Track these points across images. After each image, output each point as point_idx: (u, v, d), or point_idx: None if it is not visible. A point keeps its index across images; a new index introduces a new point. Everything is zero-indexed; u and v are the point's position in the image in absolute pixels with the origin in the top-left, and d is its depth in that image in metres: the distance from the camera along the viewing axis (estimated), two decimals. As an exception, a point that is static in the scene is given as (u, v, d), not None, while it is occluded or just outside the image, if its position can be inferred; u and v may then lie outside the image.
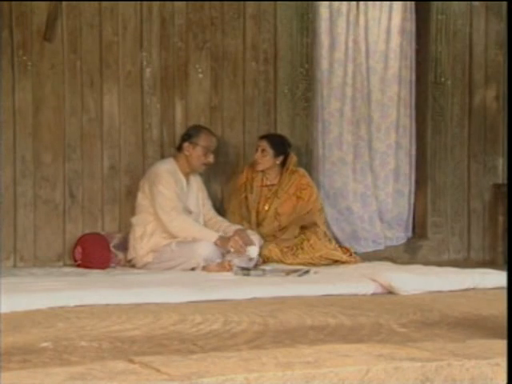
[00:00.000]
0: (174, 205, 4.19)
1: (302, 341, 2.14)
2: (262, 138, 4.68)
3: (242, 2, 4.85)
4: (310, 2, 5.02)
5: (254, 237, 4.38)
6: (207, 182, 4.75)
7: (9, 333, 2.22)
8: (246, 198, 4.70)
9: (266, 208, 4.70)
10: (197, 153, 4.33)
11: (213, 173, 4.83)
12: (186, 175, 4.39)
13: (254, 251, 3.94)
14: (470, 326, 2.39)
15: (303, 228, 4.62)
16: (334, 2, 5.12)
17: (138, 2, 4.64)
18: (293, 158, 4.72)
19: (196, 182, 4.47)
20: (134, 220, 4.34)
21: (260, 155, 4.62)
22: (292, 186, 4.69)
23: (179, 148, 4.38)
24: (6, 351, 1.94)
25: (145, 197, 4.28)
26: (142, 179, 4.35)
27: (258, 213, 4.69)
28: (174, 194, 4.22)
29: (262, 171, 4.68)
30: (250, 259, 3.98)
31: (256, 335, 2.24)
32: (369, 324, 2.44)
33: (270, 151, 4.62)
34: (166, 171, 4.26)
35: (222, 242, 4.14)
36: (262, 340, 2.16)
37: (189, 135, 4.36)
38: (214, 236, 4.16)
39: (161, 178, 4.23)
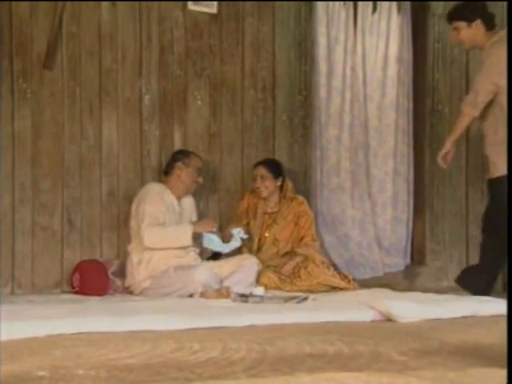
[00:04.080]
0: (150, 221, 4.20)
1: (301, 369, 2.13)
2: (257, 165, 4.71)
3: (240, 32, 4.90)
4: (307, 31, 5.08)
5: (251, 260, 4.37)
6: (206, 209, 4.76)
7: (6, 361, 2.20)
8: (248, 224, 4.71)
9: (267, 235, 4.71)
10: (189, 171, 4.42)
11: (211, 199, 4.85)
12: (178, 198, 4.42)
13: (259, 291, 3.95)
14: (470, 354, 2.38)
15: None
16: (331, 31, 5.17)
17: (138, 31, 4.68)
18: (288, 184, 4.77)
19: (189, 204, 4.50)
20: (129, 248, 4.36)
21: (260, 182, 4.63)
22: (291, 212, 4.71)
23: (166, 172, 4.45)
24: (3, 380, 1.92)
25: (135, 221, 4.30)
26: (132, 205, 4.37)
27: (259, 240, 4.70)
28: (155, 211, 4.24)
29: (265, 198, 4.69)
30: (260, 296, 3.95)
31: (254, 363, 2.22)
32: (368, 352, 2.42)
33: (268, 175, 4.65)
34: (153, 190, 4.34)
35: (199, 226, 4.26)
36: (261, 368, 2.15)
37: (179, 157, 4.46)
38: (188, 229, 4.23)
39: (146, 197, 4.29)
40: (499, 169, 4.10)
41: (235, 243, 4.41)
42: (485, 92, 4.06)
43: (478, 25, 4.15)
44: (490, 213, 4.23)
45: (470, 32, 4.17)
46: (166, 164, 4.54)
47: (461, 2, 4.36)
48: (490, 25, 4.18)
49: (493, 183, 4.17)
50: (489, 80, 4.06)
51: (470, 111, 4.10)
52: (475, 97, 4.08)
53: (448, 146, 4.17)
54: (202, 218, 4.62)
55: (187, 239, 4.25)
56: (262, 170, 4.66)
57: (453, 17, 4.24)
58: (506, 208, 3.92)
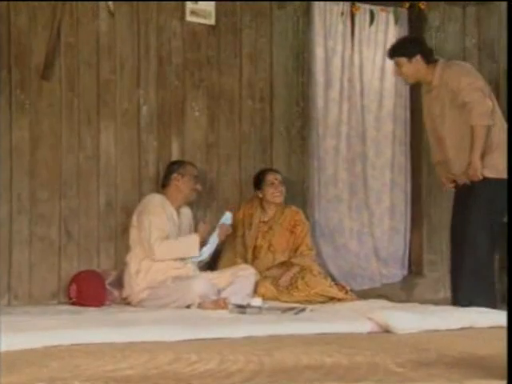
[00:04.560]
0: (158, 235, 4.22)
1: (299, 380, 2.12)
2: (272, 171, 4.75)
3: (238, 43, 4.92)
4: (305, 43, 5.10)
5: (249, 271, 4.37)
6: (202, 219, 4.75)
7: (3, 373, 2.19)
8: (243, 235, 4.72)
9: (262, 243, 4.72)
10: (186, 180, 4.42)
11: (209, 209, 4.85)
12: (177, 208, 4.43)
13: (257, 302, 3.96)
14: (468, 365, 2.38)
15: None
16: (328, 42, 5.20)
17: (136, 41, 4.70)
18: None
19: (187, 216, 4.51)
20: (128, 258, 4.35)
21: (280, 187, 4.65)
22: (285, 220, 4.73)
23: (164, 185, 4.45)
24: (0, 391, 1.92)
25: (136, 231, 4.30)
26: (133, 215, 4.37)
27: (255, 248, 4.72)
28: (161, 223, 4.26)
29: (278, 203, 4.69)
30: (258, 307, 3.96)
31: (252, 374, 2.22)
32: (365, 363, 2.42)
33: (282, 182, 4.68)
34: (156, 201, 4.35)
35: (201, 236, 4.32)
36: (258, 379, 2.14)
37: (174, 169, 4.47)
38: (195, 239, 4.28)
39: (150, 207, 4.30)
40: (499, 171, 4.08)
41: (213, 238, 4.40)
42: (484, 98, 4.08)
43: (418, 60, 4.23)
44: (469, 221, 4.14)
45: (411, 67, 4.24)
46: (163, 177, 4.53)
47: (400, 39, 4.60)
48: (429, 59, 4.26)
49: (486, 184, 4.09)
50: (477, 88, 4.09)
51: (487, 121, 4.06)
52: (481, 106, 4.07)
53: (478, 163, 4.07)
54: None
55: (195, 249, 4.30)
56: (279, 176, 4.72)
57: (393, 53, 4.34)
58: (489, 214, 3.94)
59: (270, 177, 4.69)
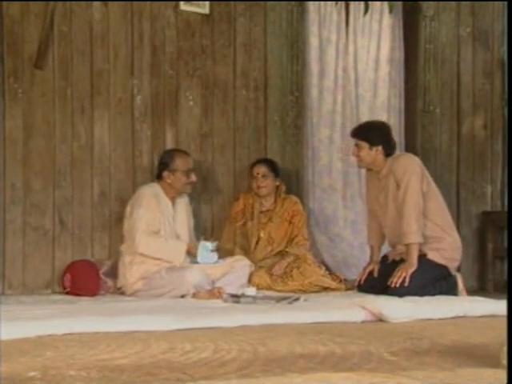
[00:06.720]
0: (145, 228, 4.18)
1: (292, 369, 2.13)
2: (258, 163, 4.69)
3: (232, 32, 4.90)
4: (299, 32, 5.09)
5: (243, 262, 4.36)
6: (198, 209, 4.75)
7: (-4, 362, 2.20)
8: (245, 224, 4.71)
9: (262, 235, 4.72)
10: (178, 178, 4.34)
11: (203, 200, 4.84)
12: (172, 198, 4.40)
13: (251, 291, 3.96)
14: (460, 354, 2.39)
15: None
16: (323, 32, 5.18)
17: (129, 31, 4.68)
18: (283, 184, 4.78)
19: (184, 205, 4.47)
20: (122, 248, 4.33)
21: (261, 180, 4.63)
22: (285, 211, 4.73)
23: (158, 176, 4.39)
24: (-6, 381, 1.92)
25: (128, 223, 4.29)
26: (127, 206, 4.34)
27: (257, 239, 4.71)
28: (151, 217, 4.22)
29: (262, 197, 4.69)
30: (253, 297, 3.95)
31: (246, 363, 2.22)
32: (359, 352, 2.43)
33: (270, 174, 4.67)
34: (149, 193, 4.28)
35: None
36: (252, 368, 2.15)
37: (165, 164, 4.36)
38: (182, 247, 4.22)
39: (142, 200, 4.24)
40: (447, 259, 4.14)
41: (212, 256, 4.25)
42: (420, 214, 4.07)
43: (379, 150, 4.21)
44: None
45: (370, 154, 4.22)
46: (157, 168, 4.48)
47: (368, 123, 4.43)
48: (389, 153, 4.24)
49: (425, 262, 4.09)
50: (418, 199, 4.07)
51: (420, 238, 4.06)
52: (416, 222, 4.04)
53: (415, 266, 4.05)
54: (196, 217, 4.60)
55: (180, 257, 4.23)
56: (264, 169, 4.67)
57: (356, 135, 4.28)
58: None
59: (254, 170, 4.67)
